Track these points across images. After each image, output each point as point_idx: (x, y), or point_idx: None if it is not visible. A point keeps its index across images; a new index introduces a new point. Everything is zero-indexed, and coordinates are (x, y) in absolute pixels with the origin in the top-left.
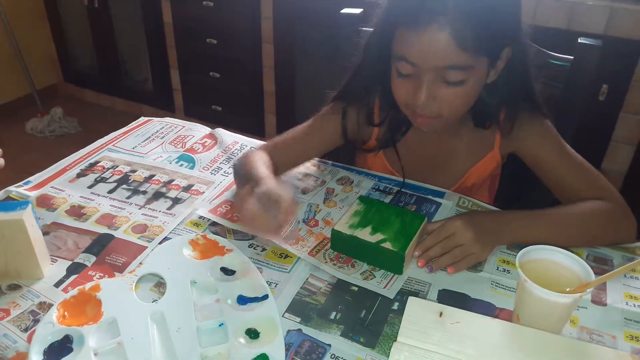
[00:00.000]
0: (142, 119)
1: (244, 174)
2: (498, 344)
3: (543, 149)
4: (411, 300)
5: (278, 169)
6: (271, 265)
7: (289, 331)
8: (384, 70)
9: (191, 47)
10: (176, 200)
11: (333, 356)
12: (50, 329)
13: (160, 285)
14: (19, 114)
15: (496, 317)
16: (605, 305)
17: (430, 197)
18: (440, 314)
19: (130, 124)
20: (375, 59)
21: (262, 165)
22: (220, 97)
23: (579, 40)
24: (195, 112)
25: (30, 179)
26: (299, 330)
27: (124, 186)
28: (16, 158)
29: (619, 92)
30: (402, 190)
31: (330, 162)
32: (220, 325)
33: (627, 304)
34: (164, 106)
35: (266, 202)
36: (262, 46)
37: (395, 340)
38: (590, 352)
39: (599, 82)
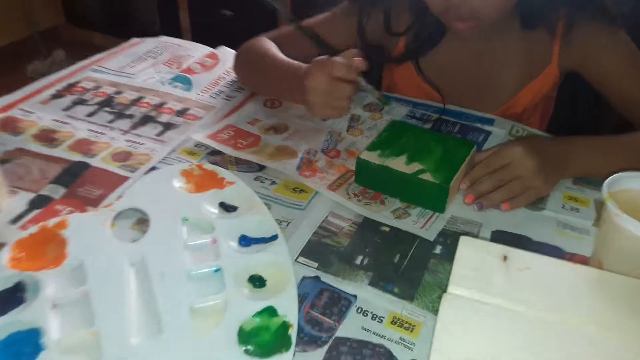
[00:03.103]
0: (134, 40)
1: (257, 60)
2: (579, 294)
3: (612, 62)
4: (464, 240)
5: None
6: (282, 201)
7: (303, 278)
8: None
9: None
10: (168, 126)
11: (360, 310)
12: None
13: (142, 222)
14: (21, 57)
15: None
16: None
17: (477, 124)
18: (505, 258)
19: (120, 45)
20: None
21: (279, 52)
22: (232, 38)
23: None
24: None
25: None
26: (317, 277)
27: (107, 109)
28: None
29: None
30: (443, 117)
31: None
32: (216, 271)
33: None
34: None
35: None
36: None
37: (444, 292)
38: None
39: None
